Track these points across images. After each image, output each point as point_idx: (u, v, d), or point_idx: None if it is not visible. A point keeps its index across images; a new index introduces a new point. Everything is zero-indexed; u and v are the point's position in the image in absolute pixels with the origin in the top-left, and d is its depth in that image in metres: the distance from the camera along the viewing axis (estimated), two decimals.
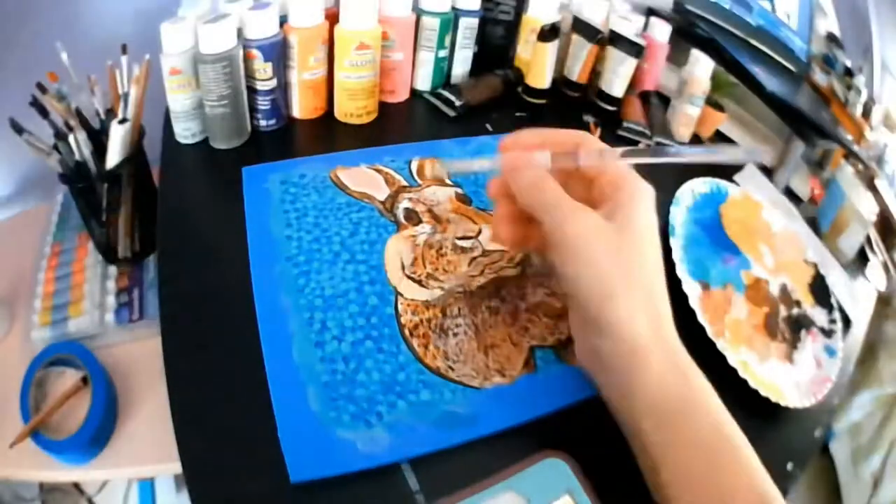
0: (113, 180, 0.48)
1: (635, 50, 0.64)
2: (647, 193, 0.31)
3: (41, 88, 0.45)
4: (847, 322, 0.51)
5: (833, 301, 0.50)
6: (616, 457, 0.34)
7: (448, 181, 0.49)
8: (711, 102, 0.68)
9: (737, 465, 0.27)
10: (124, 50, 0.47)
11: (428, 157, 0.52)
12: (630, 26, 0.65)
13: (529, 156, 0.32)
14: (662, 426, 0.28)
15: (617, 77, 0.66)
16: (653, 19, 0.68)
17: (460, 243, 0.43)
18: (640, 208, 0.30)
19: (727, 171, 0.63)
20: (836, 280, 0.54)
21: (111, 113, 0.50)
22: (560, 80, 0.70)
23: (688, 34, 0.71)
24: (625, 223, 0.29)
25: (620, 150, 0.32)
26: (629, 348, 0.28)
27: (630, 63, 0.65)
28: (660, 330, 0.29)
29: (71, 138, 0.45)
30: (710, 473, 0.27)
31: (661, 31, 0.67)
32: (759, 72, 0.65)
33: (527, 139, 0.34)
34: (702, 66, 0.64)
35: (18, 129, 0.43)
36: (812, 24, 0.69)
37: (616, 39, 0.65)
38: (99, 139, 0.48)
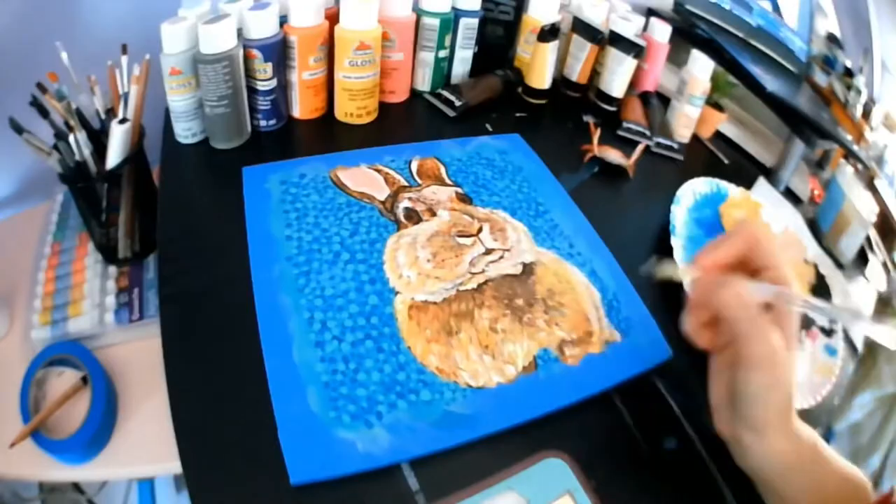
0: (113, 180, 0.48)
1: (635, 50, 0.64)
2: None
3: (41, 88, 0.44)
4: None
5: (834, 301, 0.50)
6: (616, 457, 0.34)
7: (450, 181, 0.49)
8: (711, 102, 0.68)
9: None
10: (124, 50, 0.47)
11: (428, 156, 0.52)
12: (630, 26, 0.65)
13: (738, 282, 0.34)
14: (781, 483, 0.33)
15: (617, 77, 0.66)
16: (653, 19, 0.68)
17: (461, 241, 0.43)
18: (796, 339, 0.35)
19: (726, 173, 0.63)
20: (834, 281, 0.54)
21: (111, 113, 0.50)
22: (560, 80, 0.70)
23: (688, 34, 0.71)
24: (792, 352, 0.34)
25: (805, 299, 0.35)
26: (770, 448, 0.32)
27: (630, 63, 0.65)
28: (790, 427, 0.33)
29: (71, 138, 0.45)
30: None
31: (661, 31, 0.67)
32: (759, 72, 0.65)
33: (719, 257, 0.36)
34: (702, 66, 0.64)
35: (18, 129, 0.43)
36: (812, 25, 0.69)
37: (616, 39, 0.65)
38: (99, 139, 0.48)
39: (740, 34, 0.73)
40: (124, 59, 0.47)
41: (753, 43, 0.73)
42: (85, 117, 0.48)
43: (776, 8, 0.71)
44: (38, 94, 0.44)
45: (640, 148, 0.60)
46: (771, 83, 0.64)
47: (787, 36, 0.71)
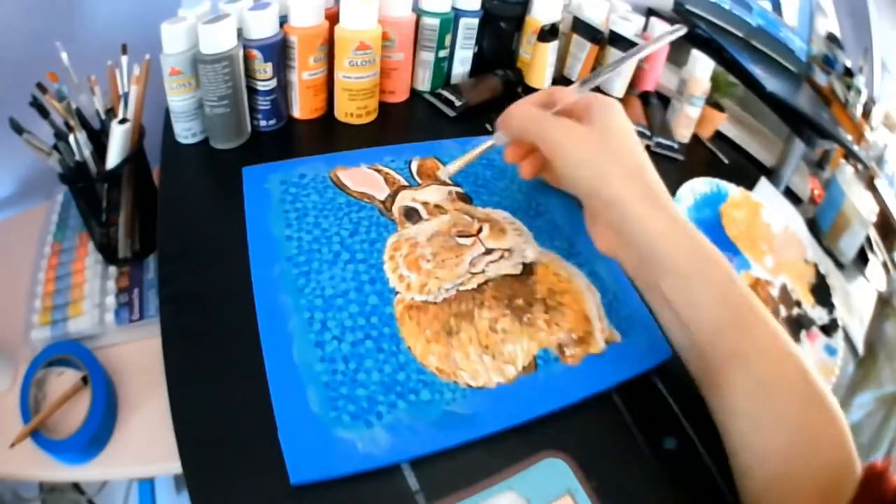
0: (113, 180, 0.48)
1: None
2: (613, 104, 0.37)
3: (41, 88, 0.44)
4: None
5: (834, 301, 0.50)
6: (616, 457, 0.34)
7: (449, 181, 0.49)
8: (711, 102, 0.68)
9: (752, 314, 0.31)
10: (124, 50, 0.47)
11: (428, 156, 0.52)
12: (630, 26, 0.65)
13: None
14: (679, 281, 0.32)
15: (617, 77, 0.66)
16: (653, 19, 0.68)
17: (461, 241, 0.43)
18: (611, 114, 0.37)
19: (726, 173, 0.63)
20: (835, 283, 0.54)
21: (111, 113, 0.50)
22: (560, 81, 0.70)
23: (688, 34, 0.71)
24: (601, 125, 0.36)
25: (580, 80, 0.41)
26: (634, 215, 0.33)
27: (630, 63, 0.65)
28: (657, 198, 0.34)
29: (71, 138, 0.45)
30: (731, 319, 0.31)
31: (661, 32, 0.67)
32: (759, 72, 0.65)
33: (522, 102, 0.42)
34: (702, 66, 0.64)
35: (18, 129, 0.43)
36: (812, 24, 0.69)
37: (616, 39, 0.65)
38: (99, 139, 0.48)
39: (740, 34, 0.73)
40: (124, 59, 0.47)
41: (753, 43, 0.73)
42: (85, 117, 0.48)
43: (777, 7, 0.71)
44: (38, 94, 0.44)
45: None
46: (771, 83, 0.64)
47: (787, 36, 0.71)
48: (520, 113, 0.39)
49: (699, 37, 0.71)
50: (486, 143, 0.43)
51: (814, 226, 0.62)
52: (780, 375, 0.30)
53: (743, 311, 0.31)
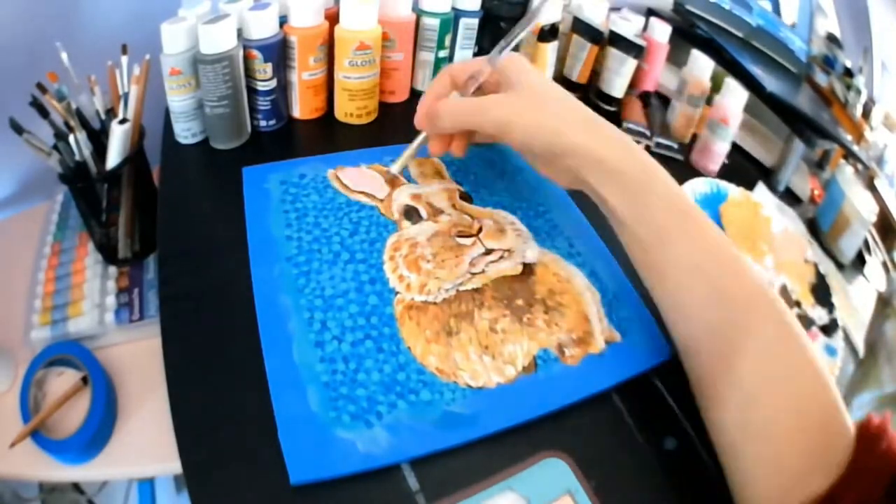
0: (113, 180, 0.48)
1: (635, 50, 0.64)
2: (521, 62, 0.41)
3: (41, 88, 0.44)
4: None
5: (833, 301, 0.50)
6: (616, 457, 0.35)
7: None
8: (711, 102, 0.68)
9: (694, 224, 0.36)
10: (124, 50, 0.47)
11: (428, 156, 0.52)
12: (630, 26, 0.65)
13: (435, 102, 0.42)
14: (625, 193, 0.37)
15: (617, 77, 0.66)
16: (653, 19, 0.68)
17: (461, 241, 0.43)
18: (524, 71, 0.40)
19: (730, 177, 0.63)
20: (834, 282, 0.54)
21: (111, 113, 0.50)
22: (560, 81, 0.70)
23: (688, 34, 0.72)
24: (520, 85, 0.39)
25: (494, 51, 0.41)
26: (587, 156, 0.37)
27: (630, 63, 0.65)
28: (598, 129, 0.39)
29: (71, 138, 0.45)
30: (673, 230, 0.36)
31: (661, 32, 0.67)
32: (759, 72, 0.65)
33: (430, 97, 0.43)
34: (702, 66, 0.64)
35: (18, 129, 0.43)
36: (812, 25, 0.69)
37: (616, 40, 0.65)
38: (99, 139, 0.48)
39: (740, 34, 0.73)
40: (124, 59, 0.47)
41: (753, 43, 0.73)
42: (85, 117, 0.48)
43: (776, 8, 0.71)
44: (38, 94, 0.44)
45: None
46: (771, 83, 0.64)
47: (787, 36, 0.71)
48: (450, 109, 0.41)
49: (699, 37, 0.71)
50: (420, 138, 0.45)
51: (814, 226, 0.62)
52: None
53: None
